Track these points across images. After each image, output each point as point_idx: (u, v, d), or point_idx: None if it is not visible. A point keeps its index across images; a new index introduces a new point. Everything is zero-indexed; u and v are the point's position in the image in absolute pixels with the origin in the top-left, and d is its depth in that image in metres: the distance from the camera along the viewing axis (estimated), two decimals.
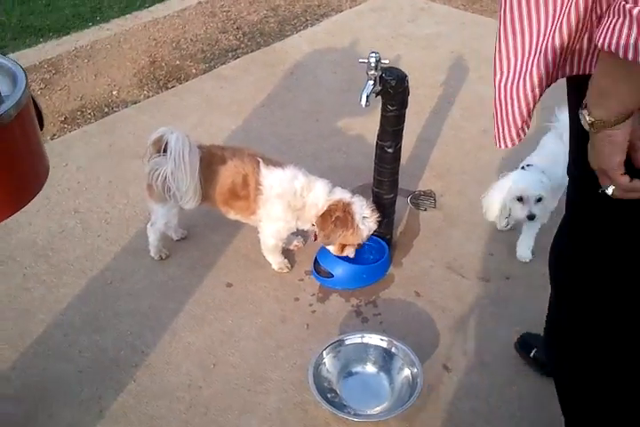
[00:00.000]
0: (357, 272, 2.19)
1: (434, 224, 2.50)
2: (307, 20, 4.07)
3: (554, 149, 2.21)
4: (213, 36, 3.89)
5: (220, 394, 1.91)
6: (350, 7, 4.20)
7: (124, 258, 2.36)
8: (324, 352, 1.90)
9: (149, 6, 4.25)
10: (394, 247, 2.36)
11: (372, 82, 1.76)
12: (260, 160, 2.08)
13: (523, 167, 2.20)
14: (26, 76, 1.10)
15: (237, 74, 3.48)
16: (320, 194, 2.06)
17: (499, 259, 2.33)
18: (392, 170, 2.11)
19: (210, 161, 2.07)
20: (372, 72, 1.76)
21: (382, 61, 1.77)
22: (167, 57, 3.67)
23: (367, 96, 1.75)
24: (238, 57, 3.66)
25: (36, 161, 1.16)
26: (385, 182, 2.15)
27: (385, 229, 2.25)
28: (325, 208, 2.04)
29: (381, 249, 2.26)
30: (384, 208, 2.19)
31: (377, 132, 2.07)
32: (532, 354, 1.91)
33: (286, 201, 2.06)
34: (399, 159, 2.11)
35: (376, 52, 1.77)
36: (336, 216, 2.00)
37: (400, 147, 2.07)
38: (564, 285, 1.31)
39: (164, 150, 1.98)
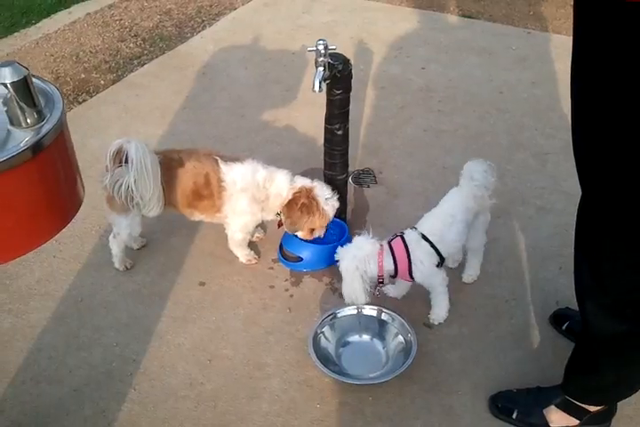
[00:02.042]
0: (324, 252, 2.29)
1: (379, 199, 2.65)
2: (203, 20, 4.10)
3: (449, 211, 2.02)
4: (113, 45, 3.84)
5: (224, 386, 1.96)
6: (243, 4, 4.26)
7: (87, 274, 2.34)
8: (321, 324, 2.01)
9: (36, 22, 4.13)
10: (350, 225, 2.48)
11: (322, 68, 1.86)
12: (218, 158, 2.13)
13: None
14: (62, 95, 1.11)
15: (149, 80, 3.47)
16: (282, 184, 2.14)
17: None
18: (342, 151, 2.23)
19: (169, 165, 2.10)
20: (322, 59, 1.85)
21: (330, 47, 1.87)
22: (70, 71, 3.60)
23: (320, 82, 1.85)
24: (145, 64, 3.64)
25: (75, 181, 1.18)
26: (337, 164, 2.26)
27: (340, 209, 2.36)
28: (290, 197, 2.12)
29: (341, 227, 2.37)
30: (338, 189, 2.29)
31: (324, 117, 2.17)
32: (564, 326, 2.05)
33: (250, 194, 2.13)
34: (348, 140, 2.23)
35: (323, 40, 1.87)
36: (301, 203, 2.09)
37: (348, 128, 2.19)
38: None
39: (125, 161, 1.98)
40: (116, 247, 2.28)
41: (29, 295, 2.27)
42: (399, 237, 2.00)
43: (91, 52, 3.78)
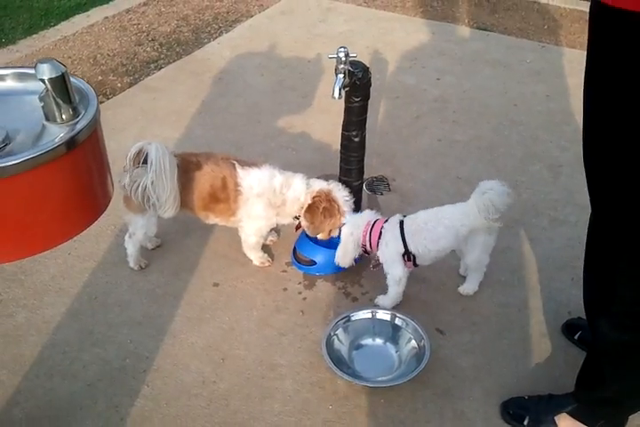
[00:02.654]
0: None
1: (393, 206, 2.67)
2: (219, 26, 4.15)
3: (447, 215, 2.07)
4: (130, 49, 3.88)
5: (236, 385, 1.97)
6: (259, 12, 4.31)
7: (102, 272, 2.36)
8: (335, 327, 2.04)
9: (55, 25, 4.18)
10: None
11: (342, 75, 1.89)
12: (235, 162, 2.15)
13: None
14: (96, 94, 1.14)
15: (166, 84, 3.50)
16: (299, 188, 2.16)
17: None
18: (359, 157, 2.25)
19: (186, 168, 2.12)
20: (342, 66, 1.88)
21: (350, 55, 1.90)
22: (88, 73, 3.64)
23: (340, 89, 1.87)
24: (162, 68, 3.68)
25: (106, 178, 1.20)
26: (353, 170, 2.28)
27: None
28: (309, 201, 2.14)
29: None
30: (353, 195, 2.31)
31: (342, 124, 2.20)
32: (576, 336, 2.07)
33: (267, 199, 2.15)
34: (364, 147, 2.25)
35: (344, 47, 1.89)
36: (323, 207, 2.11)
37: (365, 135, 2.21)
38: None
39: (144, 162, 2.01)
40: (131, 247, 2.30)
41: (44, 291, 2.28)
42: (392, 218, 2.13)
43: (108, 55, 3.82)
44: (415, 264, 2.10)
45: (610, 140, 1.37)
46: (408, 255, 2.07)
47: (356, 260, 2.23)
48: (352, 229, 2.13)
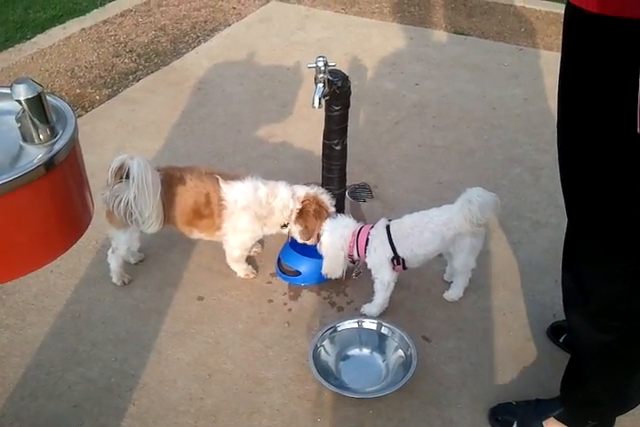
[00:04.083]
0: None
1: (376, 213, 2.67)
2: (197, 36, 4.13)
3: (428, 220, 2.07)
4: (108, 60, 3.86)
5: (224, 401, 1.96)
6: (237, 20, 4.30)
7: (85, 289, 2.34)
8: (321, 338, 2.03)
9: (31, 37, 4.14)
10: None
11: (321, 84, 1.89)
12: (218, 177, 2.14)
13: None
14: (74, 113, 1.13)
15: (145, 95, 3.49)
16: (286, 196, 2.15)
17: None
18: (340, 166, 2.25)
19: (170, 183, 2.10)
20: (322, 75, 1.88)
21: (329, 64, 1.90)
22: (65, 86, 3.61)
23: (319, 98, 1.87)
24: (140, 79, 3.66)
25: (86, 197, 1.19)
26: (334, 178, 2.28)
27: None
28: (298, 206, 2.14)
29: None
30: (336, 203, 2.31)
31: (323, 132, 2.20)
32: (561, 339, 2.08)
33: (253, 212, 2.14)
34: (346, 155, 2.25)
35: (323, 57, 1.89)
36: (314, 210, 2.13)
37: (346, 143, 2.21)
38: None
39: (126, 177, 1.99)
40: (114, 262, 2.28)
41: (26, 310, 2.26)
42: (379, 223, 2.12)
43: (86, 67, 3.80)
44: (404, 267, 2.10)
45: (583, 145, 1.38)
46: (397, 259, 2.07)
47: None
48: (338, 240, 2.11)
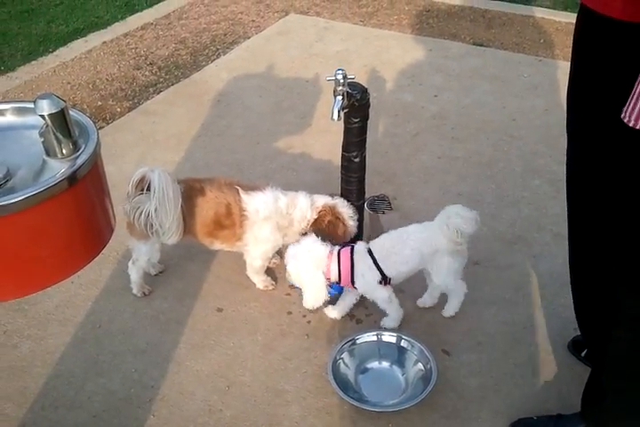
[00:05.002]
0: None
1: (395, 225, 2.62)
2: (217, 49, 4.17)
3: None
4: (129, 73, 3.91)
5: (243, 413, 1.96)
6: (256, 33, 4.34)
7: (105, 300, 2.36)
8: (340, 350, 2.02)
9: (53, 51, 4.21)
10: None
11: (340, 97, 1.89)
12: (239, 188, 2.15)
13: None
14: (96, 127, 1.14)
15: (165, 108, 3.52)
16: (305, 206, 2.16)
17: None
18: (359, 178, 2.25)
19: (189, 195, 2.12)
20: (341, 88, 1.88)
21: (348, 77, 1.90)
22: (87, 99, 3.66)
23: (338, 111, 1.88)
24: (160, 91, 3.70)
25: (108, 210, 1.20)
26: (353, 191, 2.28)
27: (357, 235, 2.38)
28: (315, 216, 2.15)
29: None
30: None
31: (342, 145, 2.20)
32: (582, 353, 2.05)
33: (274, 222, 2.15)
34: (365, 168, 2.25)
35: (342, 69, 1.90)
36: (328, 220, 2.13)
37: (365, 156, 2.21)
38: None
39: (147, 189, 2.01)
40: (134, 273, 2.29)
41: (48, 321, 2.28)
42: (349, 247, 2.07)
43: (107, 79, 3.84)
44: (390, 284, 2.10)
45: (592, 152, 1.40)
46: (385, 280, 2.06)
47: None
48: (313, 262, 2.01)
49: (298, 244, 2.07)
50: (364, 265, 2.04)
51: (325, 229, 2.13)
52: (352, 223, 2.19)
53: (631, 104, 1.18)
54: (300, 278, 2.05)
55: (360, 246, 2.08)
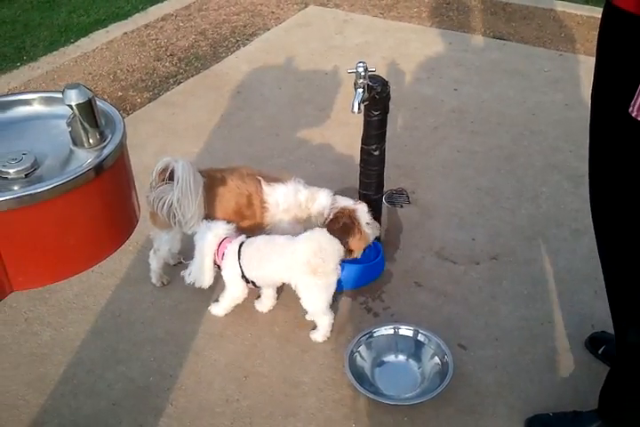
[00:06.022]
0: (359, 272, 2.31)
1: (413, 219, 2.66)
2: (237, 40, 4.18)
3: None
4: (149, 64, 3.92)
5: (260, 403, 1.97)
6: (276, 25, 4.34)
7: (124, 289, 2.38)
8: (357, 343, 2.03)
9: (75, 41, 4.23)
10: (383, 244, 2.49)
11: (361, 90, 1.89)
12: (261, 179, 2.16)
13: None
14: (122, 118, 1.15)
15: (185, 99, 3.53)
16: (324, 203, 2.16)
17: (481, 242, 2.52)
18: (378, 171, 2.26)
19: (211, 185, 2.13)
20: (362, 81, 1.89)
21: (369, 70, 1.90)
22: (108, 89, 3.68)
23: (359, 103, 1.88)
24: (180, 82, 3.71)
25: (133, 200, 1.21)
26: (372, 184, 2.29)
27: None
28: (332, 216, 2.14)
29: (375, 246, 2.38)
30: (372, 208, 2.31)
31: (361, 137, 2.20)
32: (600, 350, 2.04)
33: (293, 214, 2.15)
34: (384, 161, 2.26)
35: (363, 62, 1.90)
36: (343, 222, 2.11)
37: (384, 149, 2.22)
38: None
39: (169, 179, 2.02)
40: (155, 263, 2.31)
41: (68, 309, 2.31)
42: (235, 240, 2.09)
43: (128, 70, 3.86)
44: (255, 286, 2.13)
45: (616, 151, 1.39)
46: (246, 278, 2.09)
47: (375, 274, 2.19)
48: (206, 245, 2.08)
49: (211, 224, 2.10)
50: (231, 258, 2.07)
51: (338, 230, 2.12)
52: (368, 231, 2.16)
53: (638, 98, 1.18)
54: (196, 255, 2.10)
55: (237, 239, 2.10)
